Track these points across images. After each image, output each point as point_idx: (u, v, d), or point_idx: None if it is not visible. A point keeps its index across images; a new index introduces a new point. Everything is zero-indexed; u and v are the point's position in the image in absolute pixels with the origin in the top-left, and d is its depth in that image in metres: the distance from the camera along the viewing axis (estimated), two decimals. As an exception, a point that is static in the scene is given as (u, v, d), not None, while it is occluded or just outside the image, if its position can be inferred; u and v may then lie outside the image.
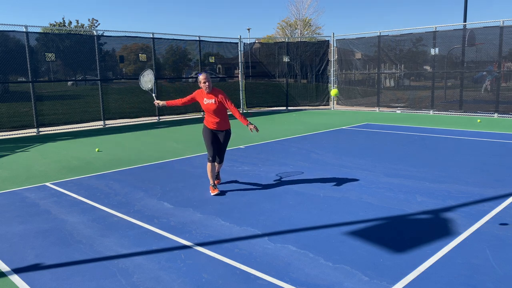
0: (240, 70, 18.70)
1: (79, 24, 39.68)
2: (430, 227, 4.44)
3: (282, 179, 6.51)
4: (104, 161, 8.27)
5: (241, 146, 9.46)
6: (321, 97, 18.83)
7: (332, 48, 18.59)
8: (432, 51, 15.55)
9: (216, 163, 5.89)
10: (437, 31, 15.40)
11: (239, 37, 18.29)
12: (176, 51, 16.68)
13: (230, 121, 5.94)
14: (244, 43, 18.50)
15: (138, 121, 15.05)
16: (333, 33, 18.21)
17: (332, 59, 18.64)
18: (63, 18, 44.27)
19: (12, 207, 5.46)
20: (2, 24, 11.85)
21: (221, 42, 17.72)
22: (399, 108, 16.80)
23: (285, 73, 18.76)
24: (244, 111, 18.32)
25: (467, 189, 5.78)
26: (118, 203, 5.53)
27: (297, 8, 48.72)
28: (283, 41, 19.50)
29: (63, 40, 14.43)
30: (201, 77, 5.73)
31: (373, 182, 6.21)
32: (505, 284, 3.25)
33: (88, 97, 14.37)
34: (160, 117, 15.59)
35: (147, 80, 6.61)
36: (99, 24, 41.57)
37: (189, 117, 16.26)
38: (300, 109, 18.59)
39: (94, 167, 7.71)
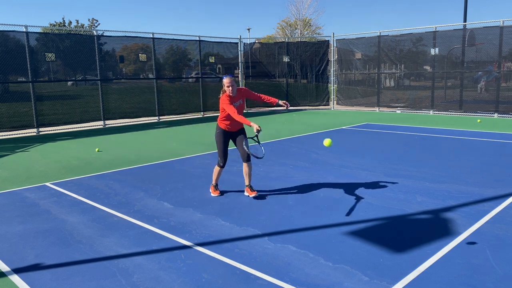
0: (240, 70, 18.70)
1: (79, 24, 39.68)
2: (430, 227, 4.44)
3: (282, 179, 6.50)
4: (104, 161, 8.27)
5: (241, 146, 9.46)
6: (321, 97, 18.82)
7: (332, 48, 18.60)
8: (432, 51, 15.55)
9: (245, 164, 5.53)
10: (437, 31, 15.40)
11: (239, 37, 18.30)
12: (176, 51, 16.68)
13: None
14: (244, 43, 18.51)
15: (138, 121, 15.05)
16: (333, 33, 18.22)
17: (332, 59, 18.64)
18: (63, 18, 44.30)
19: (12, 207, 5.45)
20: (2, 24, 11.87)
21: (221, 42, 17.72)
22: (399, 108, 16.80)
23: (285, 73, 18.76)
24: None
25: (467, 189, 5.78)
26: (118, 203, 5.53)
27: (297, 8, 48.77)
28: (283, 41, 19.51)
29: (63, 40, 14.43)
30: (226, 81, 5.32)
31: (373, 182, 6.21)
32: (505, 284, 3.25)
33: (88, 97, 14.37)
34: (160, 117, 15.58)
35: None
36: (99, 24, 41.60)
37: (189, 117, 16.26)
38: (300, 109, 18.59)
39: (94, 167, 7.71)
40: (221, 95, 5.44)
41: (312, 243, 4.08)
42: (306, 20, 43.87)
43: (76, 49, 13.77)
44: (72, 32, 20.83)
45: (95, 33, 14.24)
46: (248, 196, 5.61)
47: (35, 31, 12.86)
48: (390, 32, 16.86)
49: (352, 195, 5.60)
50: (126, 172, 7.27)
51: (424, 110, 15.99)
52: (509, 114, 14.14)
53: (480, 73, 15.15)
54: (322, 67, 18.69)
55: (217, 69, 19.74)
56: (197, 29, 79.91)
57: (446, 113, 15.42)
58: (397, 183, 6.16)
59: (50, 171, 7.50)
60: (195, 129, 13.06)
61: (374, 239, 4.14)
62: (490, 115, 14.48)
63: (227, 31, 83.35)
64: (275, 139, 10.34)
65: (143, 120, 15.19)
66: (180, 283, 3.38)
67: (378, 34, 16.95)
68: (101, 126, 14.05)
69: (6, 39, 12.31)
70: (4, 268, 3.73)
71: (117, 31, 14.49)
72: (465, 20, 20.64)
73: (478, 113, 14.77)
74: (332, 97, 18.78)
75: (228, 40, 17.98)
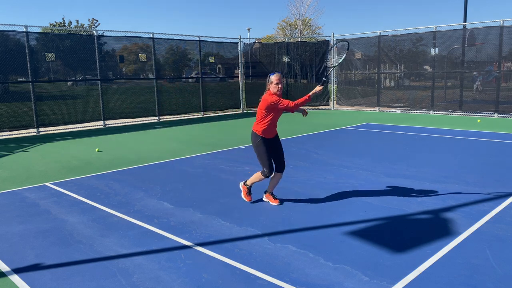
0: (240, 70, 18.70)
1: (79, 24, 39.70)
2: (430, 227, 4.44)
3: (282, 179, 6.49)
4: (104, 161, 8.27)
5: (241, 146, 9.47)
6: (321, 97, 18.82)
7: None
8: (432, 51, 15.55)
9: (278, 173, 5.20)
10: (437, 31, 15.41)
11: (239, 37, 18.30)
12: (176, 51, 16.68)
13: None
14: (244, 43, 18.51)
15: (138, 121, 15.05)
16: (333, 33, 18.22)
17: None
18: (63, 18, 44.34)
19: (12, 207, 5.45)
20: (2, 24, 11.85)
21: (221, 42, 17.72)
22: (399, 108, 16.80)
23: (285, 73, 18.76)
24: (244, 111, 18.33)
25: (467, 189, 5.78)
26: (118, 203, 5.52)
27: (297, 8, 48.81)
28: (283, 41, 19.51)
29: (63, 40, 14.43)
30: (275, 78, 4.84)
31: (373, 182, 6.21)
32: (505, 284, 3.25)
33: (88, 97, 14.37)
34: (160, 117, 15.58)
35: (338, 53, 5.33)
36: (99, 24, 41.65)
37: (189, 117, 16.26)
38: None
39: (94, 167, 7.71)
40: (264, 94, 4.97)
41: (312, 243, 4.08)
42: (306, 20, 43.90)
43: (76, 49, 13.77)
44: (72, 32, 20.83)
45: (95, 33, 14.23)
46: (269, 202, 5.32)
47: (35, 31, 12.86)
48: (390, 32, 16.86)
49: (352, 195, 5.60)
50: (126, 172, 7.27)
51: (424, 110, 15.99)
52: (509, 114, 14.14)
53: (475, 73, 15.15)
54: (322, 67, 18.69)
55: (217, 69, 19.75)
56: (197, 29, 79.97)
57: (446, 113, 15.42)
58: (397, 183, 6.16)
59: (50, 171, 7.50)
60: (195, 129, 13.07)
61: (374, 239, 4.14)
62: (490, 115, 14.48)
63: (227, 31, 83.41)
64: (275, 139, 10.33)
65: (143, 120, 15.19)
66: (180, 283, 3.38)
67: (378, 34, 16.95)
68: (101, 126, 14.05)
69: (6, 39, 12.31)
70: (4, 268, 3.73)
71: (117, 31, 14.50)
72: (465, 20, 20.65)
73: (478, 113, 14.77)
74: (332, 97, 18.78)
75: (228, 40, 17.99)
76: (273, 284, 3.32)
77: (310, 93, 4.80)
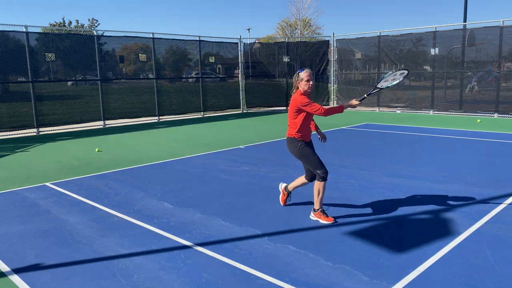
0: (240, 70, 18.69)
1: (79, 24, 39.66)
2: (430, 227, 4.44)
3: (282, 179, 6.50)
4: (104, 161, 8.27)
5: (241, 146, 9.47)
6: (321, 97, 18.81)
7: (332, 48, 18.60)
8: (432, 51, 15.55)
9: (307, 179, 4.86)
10: (437, 31, 15.41)
11: (239, 37, 18.30)
12: (176, 51, 16.68)
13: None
14: (244, 43, 18.51)
15: (138, 121, 15.05)
16: (333, 33, 18.23)
17: (332, 59, 18.64)
18: (63, 18, 44.25)
19: (12, 207, 5.45)
20: (2, 24, 11.85)
21: (221, 42, 17.72)
22: (399, 108, 16.80)
23: (285, 73, 18.76)
24: (244, 111, 18.33)
25: (467, 189, 5.78)
26: (118, 203, 5.53)
27: (297, 8, 48.85)
28: (283, 41, 19.50)
29: (63, 40, 14.43)
30: (305, 74, 4.42)
31: (373, 182, 6.21)
32: (505, 284, 3.25)
33: (88, 97, 14.37)
34: (160, 117, 15.58)
35: (393, 79, 5.11)
36: (99, 24, 41.58)
37: (189, 117, 16.26)
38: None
39: (94, 167, 7.71)
40: (293, 94, 4.59)
41: (312, 243, 4.08)
42: (306, 20, 43.90)
43: (76, 49, 13.77)
44: (72, 32, 20.82)
45: (95, 33, 14.24)
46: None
47: (35, 31, 12.86)
48: (390, 32, 16.86)
49: (352, 196, 5.60)
50: (126, 172, 7.27)
51: (424, 110, 15.99)
52: (509, 114, 14.14)
53: (481, 73, 15.14)
54: (322, 67, 18.69)
55: (217, 69, 19.75)
56: (197, 29, 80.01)
57: (446, 113, 15.42)
58: (397, 183, 6.16)
59: (50, 171, 7.50)
60: (195, 129, 13.06)
61: (374, 239, 4.14)
62: (490, 115, 14.48)
63: (227, 31, 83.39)
64: (275, 139, 10.34)
65: (143, 120, 15.19)
66: (180, 283, 3.38)
67: (378, 34, 16.95)
68: (101, 126, 14.05)
69: (6, 39, 12.31)
70: (4, 268, 3.73)
71: (117, 31, 14.50)
72: (465, 20, 20.65)
73: (478, 113, 14.77)
74: (332, 97, 18.78)
75: (228, 40, 17.99)
76: (273, 284, 3.32)
77: (345, 104, 4.49)
